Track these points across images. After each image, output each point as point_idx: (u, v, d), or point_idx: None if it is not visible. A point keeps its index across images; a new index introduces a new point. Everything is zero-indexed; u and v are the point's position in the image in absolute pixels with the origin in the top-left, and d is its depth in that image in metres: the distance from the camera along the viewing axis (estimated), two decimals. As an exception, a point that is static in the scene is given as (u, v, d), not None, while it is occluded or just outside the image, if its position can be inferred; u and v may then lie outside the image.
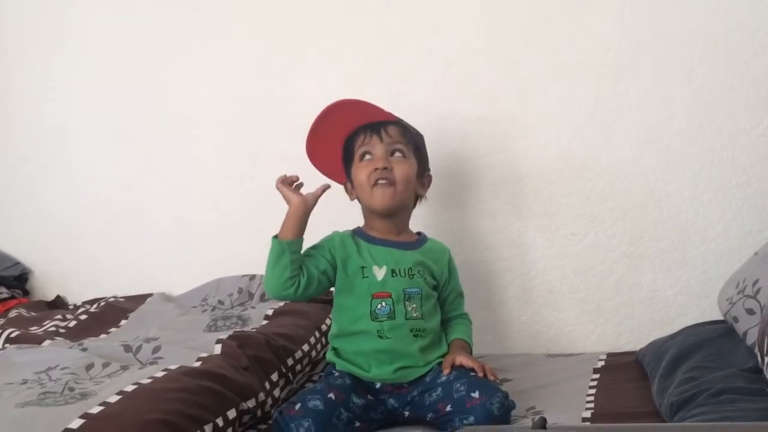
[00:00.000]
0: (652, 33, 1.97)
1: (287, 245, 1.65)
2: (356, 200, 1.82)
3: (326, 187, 1.72)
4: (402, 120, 1.80)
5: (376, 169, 1.71)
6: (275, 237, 1.67)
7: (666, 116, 1.98)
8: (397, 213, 1.77)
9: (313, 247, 1.74)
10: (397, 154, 1.74)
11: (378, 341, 1.67)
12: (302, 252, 1.70)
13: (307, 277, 1.67)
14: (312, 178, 1.81)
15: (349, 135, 1.79)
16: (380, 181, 1.71)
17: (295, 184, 1.70)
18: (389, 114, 1.79)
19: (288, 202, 1.68)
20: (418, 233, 1.84)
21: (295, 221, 1.67)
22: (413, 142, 1.79)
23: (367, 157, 1.74)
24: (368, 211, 1.78)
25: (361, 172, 1.73)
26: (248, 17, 2.29)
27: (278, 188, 1.70)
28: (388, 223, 1.77)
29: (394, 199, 1.73)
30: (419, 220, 1.99)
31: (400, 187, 1.73)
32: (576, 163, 2.04)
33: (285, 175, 1.71)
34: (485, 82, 2.09)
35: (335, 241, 1.75)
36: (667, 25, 1.96)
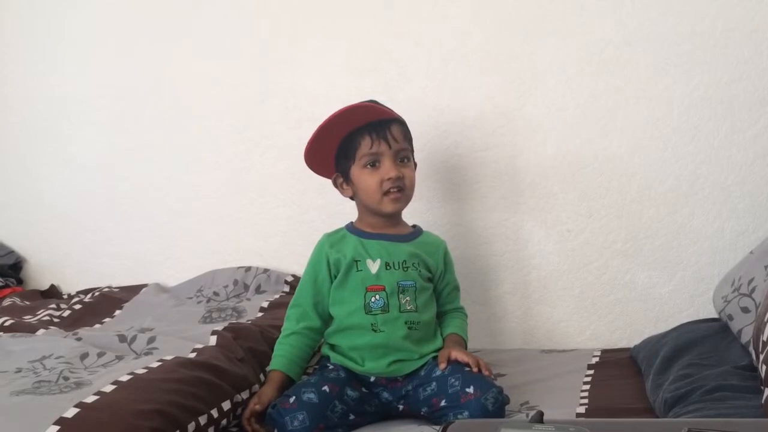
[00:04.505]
0: (650, 30, 1.97)
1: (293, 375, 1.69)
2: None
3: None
4: (398, 114, 1.78)
5: (389, 179, 1.71)
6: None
7: (663, 113, 1.98)
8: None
9: (313, 281, 1.73)
10: (405, 159, 1.74)
11: (372, 335, 1.67)
12: (307, 293, 1.73)
13: (322, 323, 1.73)
14: (303, 171, 1.84)
15: (348, 132, 1.74)
16: (393, 190, 1.71)
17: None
18: (391, 111, 1.76)
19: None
20: (413, 226, 1.84)
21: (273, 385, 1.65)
22: (410, 136, 1.79)
23: (376, 164, 1.72)
24: (367, 209, 1.77)
25: (370, 179, 1.72)
26: (245, 7, 2.28)
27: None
28: (387, 219, 1.77)
29: (404, 204, 1.76)
30: (415, 215, 1.99)
31: (409, 192, 1.76)
32: (573, 159, 2.04)
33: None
34: (483, 76, 2.08)
35: (324, 248, 1.74)
36: (666, 22, 1.96)
